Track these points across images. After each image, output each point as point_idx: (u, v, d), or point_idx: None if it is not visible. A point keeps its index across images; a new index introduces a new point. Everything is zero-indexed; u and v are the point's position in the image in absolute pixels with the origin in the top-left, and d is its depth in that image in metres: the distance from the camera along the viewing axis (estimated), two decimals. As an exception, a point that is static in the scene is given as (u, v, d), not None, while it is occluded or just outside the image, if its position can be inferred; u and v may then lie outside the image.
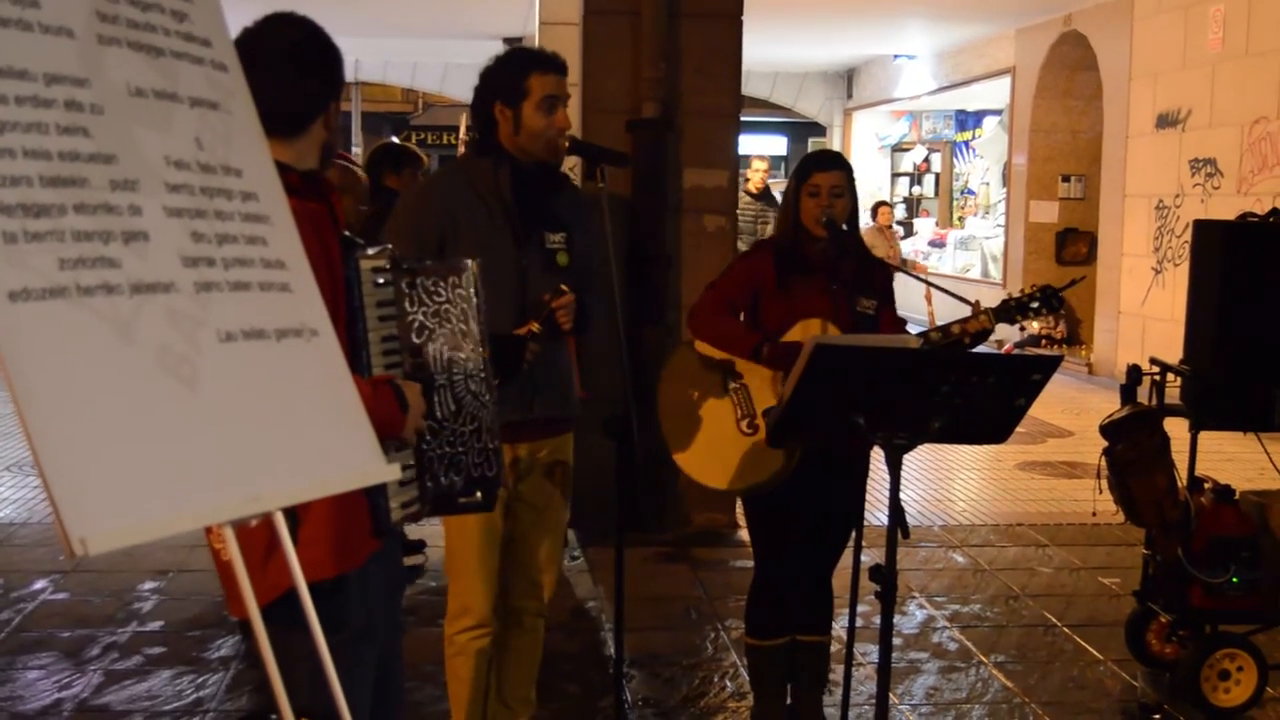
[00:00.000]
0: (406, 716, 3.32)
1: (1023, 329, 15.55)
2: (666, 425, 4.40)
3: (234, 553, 2.02)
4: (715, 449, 4.30)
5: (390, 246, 2.91)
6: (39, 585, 6.30)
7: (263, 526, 2.13)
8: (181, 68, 2.13)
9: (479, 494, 3.01)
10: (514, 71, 3.86)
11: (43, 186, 1.81)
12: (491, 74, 3.91)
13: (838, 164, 4.37)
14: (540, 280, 3.84)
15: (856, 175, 4.44)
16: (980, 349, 4.30)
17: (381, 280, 2.81)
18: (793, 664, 4.53)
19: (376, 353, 2.77)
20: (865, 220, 19.84)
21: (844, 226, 4.28)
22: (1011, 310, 4.32)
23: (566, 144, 3.94)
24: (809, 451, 4.15)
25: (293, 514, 2.57)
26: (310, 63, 2.82)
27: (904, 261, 15.42)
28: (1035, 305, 4.34)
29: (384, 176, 6.66)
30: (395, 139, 7.13)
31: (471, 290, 2.94)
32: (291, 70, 2.79)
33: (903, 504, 3.46)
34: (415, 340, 2.87)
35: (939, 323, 4.45)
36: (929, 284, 5.24)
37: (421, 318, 2.88)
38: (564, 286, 3.80)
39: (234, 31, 2.34)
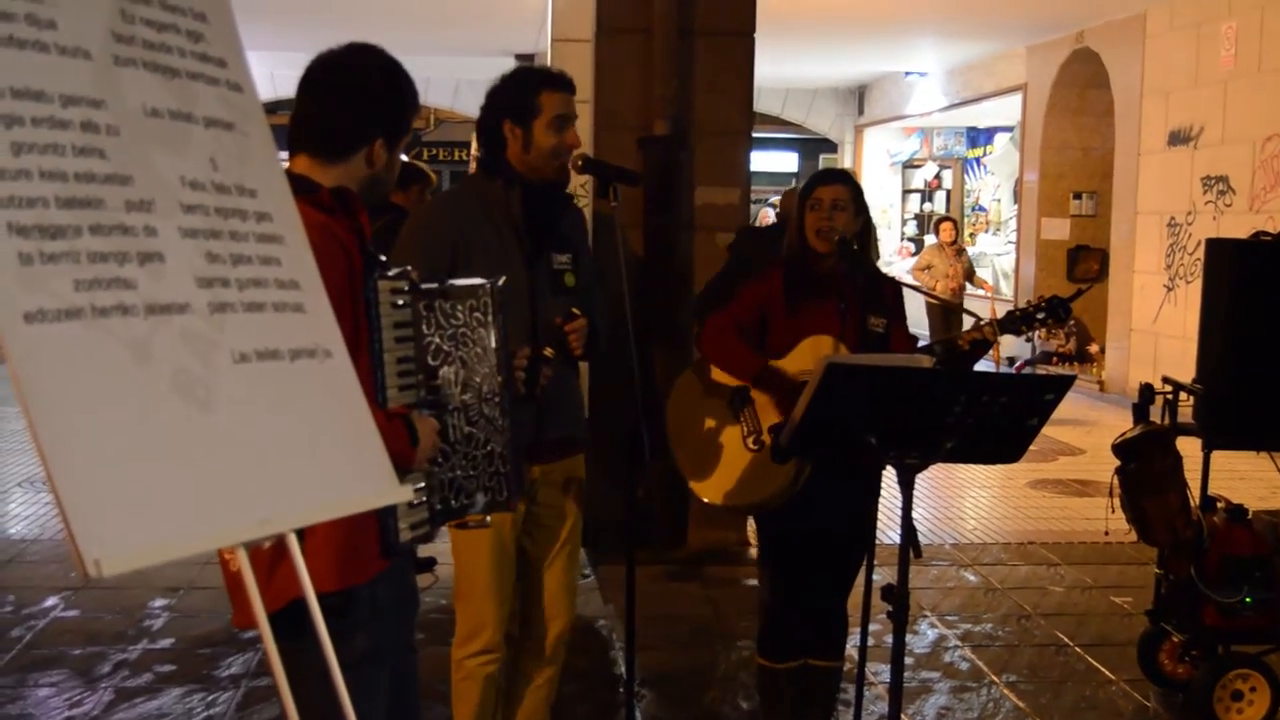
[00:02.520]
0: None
1: (1034, 346, 15.51)
2: (674, 443, 4.40)
3: (245, 567, 2.01)
4: (721, 466, 4.30)
5: (410, 269, 2.91)
6: (50, 602, 6.31)
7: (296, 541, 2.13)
8: (197, 88, 2.14)
9: (488, 519, 3.02)
10: (524, 90, 3.84)
11: (59, 208, 1.81)
12: (500, 93, 3.89)
13: (841, 179, 4.36)
14: (549, 301, 3.84)
15: (867, 192, 4.42)
16: (994, 369, 4.29)
17: (400, 302, 2.81)
18: (804, 687, 4.52)
19: (391, 374, 2.77)
20: (928, 238, 19.73)
21: (854, 246, 4.27)
22: (1017, 321, 4.30)
23: (580, 163, 3.93)
24: (817, 472, 4.14)
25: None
26: (372, 96, 2.85)
27: (970, 278, 14.61)
28: (1041, 316, 4.31)
29: (391, 194, 6.68)
30: (404, 157, 7.18)
31: (489, 314, 2.93)
32: (349, 97, 2.83)
33: (914, 523, 3.45)
34: (431, 363, 2.86)
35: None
36: (944, 303, 5.24)
37: (438, 340, 2.87)
38: (575, 310, 3.79)
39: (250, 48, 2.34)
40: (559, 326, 3.73)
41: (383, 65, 2.88)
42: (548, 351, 3.63)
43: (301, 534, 2.60)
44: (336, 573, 2.73)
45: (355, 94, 2.84)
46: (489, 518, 3.03)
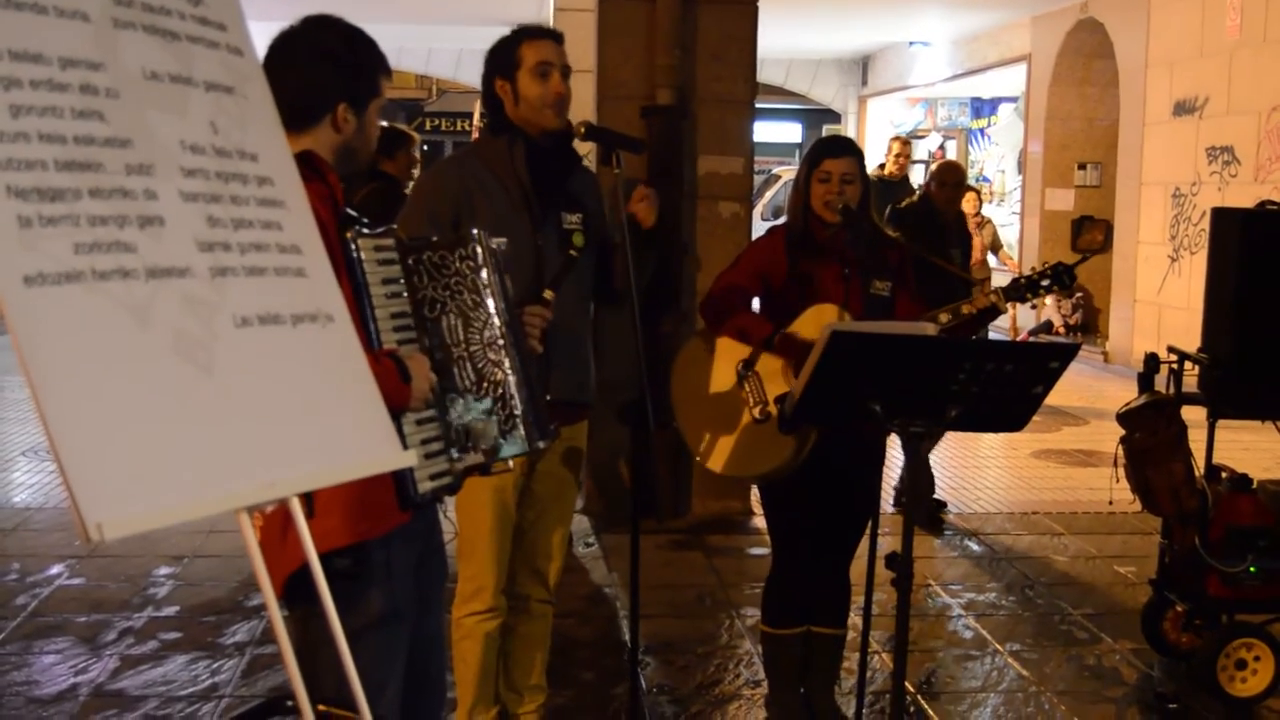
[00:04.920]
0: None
1: (1036, 310, 15.41)
2: (680, 413, 4.39)
3: (249, 538, 2.01)
4: (728, 436, 4.29)
5: (394, 226, 2.91)
6: (55, 570, 6.32)
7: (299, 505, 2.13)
8: (196, 52, 2.13)
9: (510, 462, 3.02)
10: (507, 45, 3.89)
11: (58, 170, 1.81)
12: (490, 53, 3.94)
13: (849, 150, 4.35)
14: (556, 261, 3.83)
15: (871, 162, 4.40)
16: (997, 337, 4.28)
17: (385, 258, 2.81)
18: (807, 654, 4.53)
19: (386, 329, 2.77)
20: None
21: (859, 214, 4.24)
22: (1022, 289, 4.29)
23: (583, 130, 3.92)
24: (823, 440, 4.14)
25: None
26: (327, 61, 2.87)
27: (995, 251, 14.06)
28: (1046, 283, 4.30)
29: (378, 161, 6.69)
30: (385, 123, 7.14)
31: (480, 260, 2.93)
32: (306, 65, 2.85)
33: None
34: (428, 315, 2.87)
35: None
36: (946, 268, 5.23)
37: (431, 292, 2.87)
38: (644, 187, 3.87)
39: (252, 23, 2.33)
40: (638, 189, 3.80)
41: (337, 31, 2.91)
42: (547, 294, 3.61)
43: (310, 494, 2.61)
44: (349, 527, 2.74)
45: (309, 61, 2.87)
46: (511, 462, 3.03)
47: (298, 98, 2.83)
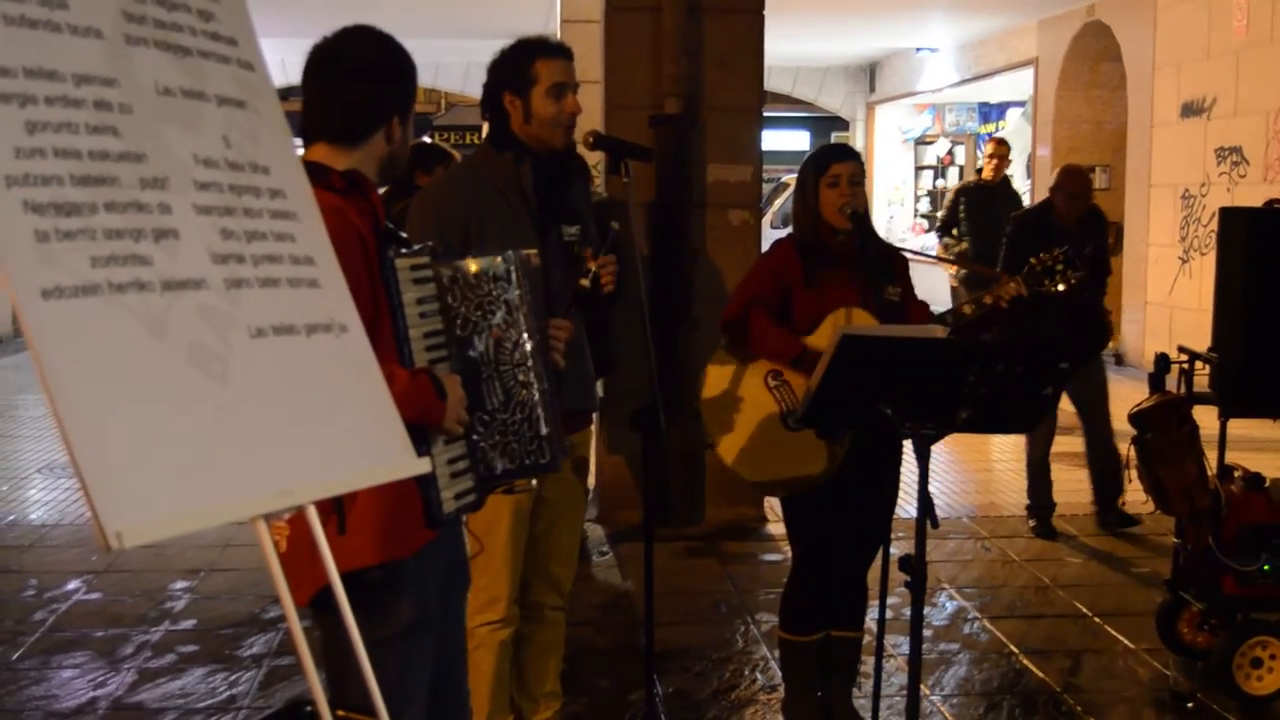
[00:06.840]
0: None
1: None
2: (710, 422, 4.38)
3: (267, 547, 2.03)
4: (760, 444, 4.28)
5: (431, 243, 2.93)
6: (72, 585, 6.34)
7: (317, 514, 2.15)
8: (208, 67, 2.15)
9: (534, 481, 3.04)
10: (519, 60, 3.84)
11: (73, 185, 1.83)
12: (498, 66, 3.90)
13: (853, 155, 4.39)
14: (560, 274, 3.84)
15: (880, 169, 4.43)
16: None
17: (421, 276, 2.82)
18: (826, 659, 4.53)
19: (419, 349, 2.78)
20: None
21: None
22: (1039, 275, 4.29)
23: (591, 140, 3.94)
24: (852, 448, 4.14)
25: (338, 503, 2.60)
26: (373, 77, 2.88)
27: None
28: (1060, 268, 4.31)
29: (415, 176, 6.72)
30: (427, 139, 7.15)
31: (513, 280, 2.95)
32: (354, 83, 2.86)
33: (930, 495, 3.45)
34: (460, 333, 2.88)
35: None
36: (955, 263, 5.25)
37: (465, 311, 2.89)
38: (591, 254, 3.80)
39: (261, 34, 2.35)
40: (587, 257, 3.72)
41: (384, 45, 2.92)
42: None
43: (342, 512, 2.64)
44: (378, 547, 2.77)
45: (367, 78, 2.87)
46: (534, 481, 3.05)
47: (355, 114, 2.86)
